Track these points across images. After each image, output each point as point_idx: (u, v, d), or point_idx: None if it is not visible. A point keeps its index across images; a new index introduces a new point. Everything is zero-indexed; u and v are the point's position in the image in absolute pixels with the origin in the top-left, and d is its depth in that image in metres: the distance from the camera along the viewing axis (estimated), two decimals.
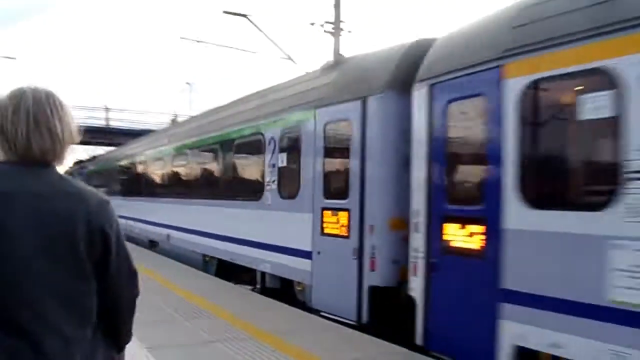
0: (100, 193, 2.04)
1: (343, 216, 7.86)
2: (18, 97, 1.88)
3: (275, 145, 9.70)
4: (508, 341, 5.31)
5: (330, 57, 15.54)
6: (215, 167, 12.88)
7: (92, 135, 48.37)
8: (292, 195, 9.06)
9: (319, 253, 8.40)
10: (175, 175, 15.59)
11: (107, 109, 52.59)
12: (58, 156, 1.94)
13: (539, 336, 5.02)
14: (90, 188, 2.01)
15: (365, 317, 7.37)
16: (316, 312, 8.16)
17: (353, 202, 7.60)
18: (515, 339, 5.24)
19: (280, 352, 6.09)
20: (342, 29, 17.88)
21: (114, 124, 51.59)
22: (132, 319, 2.15)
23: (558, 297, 4.88)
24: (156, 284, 10.29)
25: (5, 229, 1.74)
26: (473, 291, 5.84)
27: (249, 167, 11.33)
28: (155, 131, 22.01)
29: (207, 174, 13.27)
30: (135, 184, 18.59)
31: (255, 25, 17.87)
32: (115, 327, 2.04)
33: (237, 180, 11.64)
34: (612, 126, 4.50)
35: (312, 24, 18.05)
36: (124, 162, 20.51)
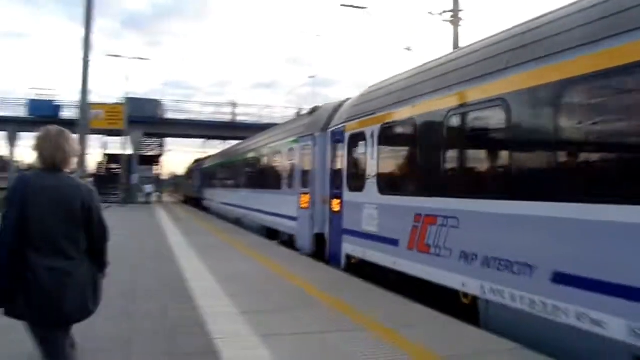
0: (89, 184, 4.18)
1: (307, 197, 15.05)
2: (46, 132, 3.96)
3: (281, 157, 18.43)
4: (345, 252, 12.16)
5: (449, 48, 17.56)
6: (251, 169, 24.62)
7: (219, 130, 52.27)
8: (290, 185, 16.96)
9: (298, 218, 15.71)
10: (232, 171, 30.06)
11: (233, 105, 54.66)
12: (67, 165, 4.00)
13: (356, 250, 11.54)
14: (83, 182, 4.16)
15: (312, 250, 14.45)
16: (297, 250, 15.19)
17: (311, 189, 14.78)
18: (348, 251, 12.00)
19: (391, 344, 6.07)
20: (460, 18, 17.63)
21: (240, 119, 53.45)
22: (105, 253, 4.37)
23: (359, 231, 11.32)
24: (271, 272, 10.99)
25: (42, 204, 3.79)
26: (338, 230, 12.61)
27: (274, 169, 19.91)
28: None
29: (253, 173, 24.00)
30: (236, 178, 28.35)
31: (374, 17, 18.63)
32: (95, 254, 4.19)
33: (267, 176, 20.54)
34: (363, 156, 11.37)
35: (431, 13, 17.99)
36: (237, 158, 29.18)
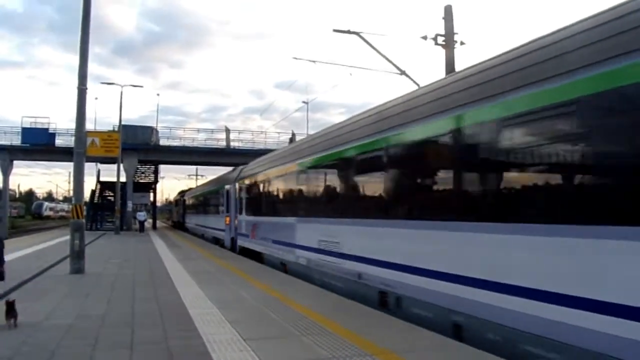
0: None
1: (227, 218, 27.55)
2: None
3: (218, 195, 32.14)
4: (239, 244, 24.29)
5: (442, 71, 17.75)
6: (206, 201, 39.86)
7: (213, 156, 52.51)
8: (221, 212, 29.91)
9: (224, 230, 28.48)
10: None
11: (227, 130, 54.65)
12: None
13: (243, 242, 23.55)
14: None
15: (229, 246, 26.28)
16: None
17: (230, 213, 26.94)
18: (240, 243, 24.04)
19: None
20: (455, 41, 17.83)
21: (234, 144, 53.96)
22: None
23: (242, 233, 23.66)
24: (273, 298, 10.88)
25: None
26: (238, 234, 24.86)
27: (215, 202, 33.97)
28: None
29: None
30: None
31: (368, 42, 18.22)
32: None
33: (213, 206, 35.42)
34: (242, 196, 24.30)
35: (424, 37, 17.86)
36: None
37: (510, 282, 6.75)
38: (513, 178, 7.22)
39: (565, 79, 6.12)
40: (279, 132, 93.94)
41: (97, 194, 53.58)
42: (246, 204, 22.83)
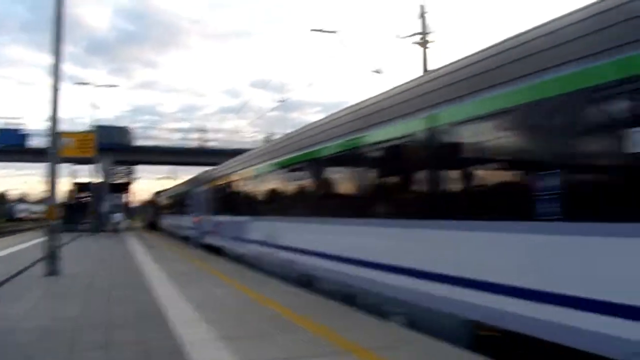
0: None
1: (197, 218, 29.09)
2: None
3: (188, 197, 33.84)
4: (206, 242, 26.59)
5: (419, 69, 17.90)
6: (176, 204, 42.28)
7: (189, 156, 52.91)
8: (190, 212, 31.98)
9: (194, 229, 30.20)
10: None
11: (202, 130, 55.05)
12: None
13: (210, 240, 25.63)
14: None
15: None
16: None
17: (197, 214, 29.37)
18: (207, 240, 26.18)
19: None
20: (428, 40, 17.97)
21: (209, 144, 54.39)
22: None
23: (210, 232, 25.63)
24: (249, 298, 10.94)
25: None
26: (204, 232, 27.26)
27: (186, 203, 35.12)
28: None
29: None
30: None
31: (344, 43, 19.11)
32: None
33: (184, 207, 36.39)
34: (209, 199, 26.53)
35: (399, 36, 18.69)
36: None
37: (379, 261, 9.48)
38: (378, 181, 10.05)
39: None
40: (255, 132, 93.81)
41: (72, 195, 53.04)
42: (209, 206, 25.85)
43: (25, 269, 16.56)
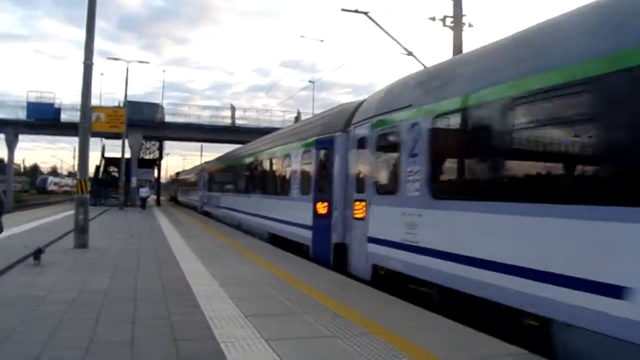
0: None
1: (200, 193, 44.06)
2: None
3: (199, 180, 46.57)
4: (204, 210, 41.39)
5: (450, 52, 17.66)
6: (187, 184, 62.29)
7: (218, 133, 52.71)
8: (200, 189, 44.93)
9: (198, 201, 45.16)
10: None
11: (232, 108, 54.72)
12: None
13: (206, 208, 41.05)
14: None
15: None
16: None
17: (201, 190, 44.48)
18: (205, 209, 41.16)
19: (397, 349, 6.06)
20: (463, 23, 17.62)
21: (239, 122, 53.94)
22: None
23: (207, 203, 41.28)
24: (276, 277, 10.94)
25: None
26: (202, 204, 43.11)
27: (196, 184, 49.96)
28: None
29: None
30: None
31: (375, 22, 17.94)
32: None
33: (194, 186, 51.94)
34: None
35: (432, 18, 17.69)
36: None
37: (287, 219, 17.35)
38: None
39: None
40: (284, 111, 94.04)
41: (101, 170, 53.71)
42: (208, 185, 40.08)
43: (55, 240, 16.82)
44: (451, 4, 17.70)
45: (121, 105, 47.22)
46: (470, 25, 17.66)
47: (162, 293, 9.07)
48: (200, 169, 47.45)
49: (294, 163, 16.92)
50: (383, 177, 11.09)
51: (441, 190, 8.83)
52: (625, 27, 5.83)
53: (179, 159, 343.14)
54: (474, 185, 8.13)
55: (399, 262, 9.76)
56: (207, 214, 38.07)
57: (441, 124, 9.00)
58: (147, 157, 58.48)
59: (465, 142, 8.44)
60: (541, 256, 6.46)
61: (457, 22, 17.60)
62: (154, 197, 62.00)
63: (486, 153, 7.77)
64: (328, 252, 13.29)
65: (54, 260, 12.62)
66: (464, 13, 17.69)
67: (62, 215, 30.38)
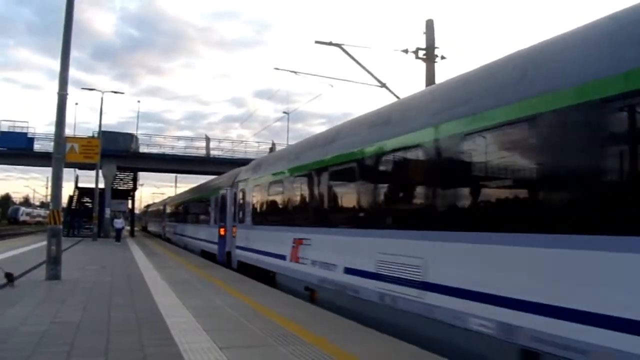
0: None
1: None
2: None
3: (162, 212, 58.06)
4: (166, 236, 51.15)
5: (423, 84, 17.99)
6: (156, 215, 71.18)
7: (193, 164, 53.02)
8: (164, 219, 54.47)
9: (161, 230, 53.96)
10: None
11: (207, 139, 54.89)
12: None
13: (167, 235, 49.76)
14: None
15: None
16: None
17: (164, 220, 54.08)
18: (166, 235, 50.19)
19: None
20: (436, 55, 17.96)
21: (214, 153, 54.28)
22: None
23: (167, 231, 50.80)
24: (250, 309, 10.87)
25: None
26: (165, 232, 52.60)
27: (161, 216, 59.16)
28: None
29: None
30: None
31: (349, 55, 18.33)
32: None
33: (160, 217, 61.69)
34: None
35: (405, 51, 17.91)
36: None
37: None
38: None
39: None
40: (258, 142, 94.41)
41: (75, 200, 53.09)
42: (167, 218, 51.05)
43: (27, 272, 16.58)
44: (424, 37, 17.98)
45: (95, 135, 46.97)
46: (443, 57, 17.97)
47: (135, 325, 8.99)
48: (163, 204, 59.30)
49: (210, 204, 27.15)
50: (240, 213, 20.19)
51: (255, 221, 18.17)
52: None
53: (153, 189, 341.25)
54: (264, 219, 17.13)
55: (246, 257, 18.81)
56: (168, 240, 47.30)
57: (256, 189, 18.21)
58: (121, 187, 58.02)
59: (262, 198, 17.49)
60: (281, 248, 14.70)
61: (429, 55, 17.92)
62: (127, 228, 61.34)
63: (269, 205, 16.78)
64: (223, 257, 22.21)
65: (26, 292, 12.44)
66: (436, 46, 18.01)
67: (34, 246, 29.94)
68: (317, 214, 12.47)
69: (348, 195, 11.17)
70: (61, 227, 15.68)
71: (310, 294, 12.71)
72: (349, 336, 8.31)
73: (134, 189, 59.35)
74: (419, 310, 8.13)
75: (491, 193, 7.33)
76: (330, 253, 11.62)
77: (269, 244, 15.98)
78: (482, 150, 7.25)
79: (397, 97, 17.74)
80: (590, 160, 5.60)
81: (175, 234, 42.55)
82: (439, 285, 7.71)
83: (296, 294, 12.84)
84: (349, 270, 10.74)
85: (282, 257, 14.43)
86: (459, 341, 7.23)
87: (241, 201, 19.79)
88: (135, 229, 66.30)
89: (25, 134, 49.42)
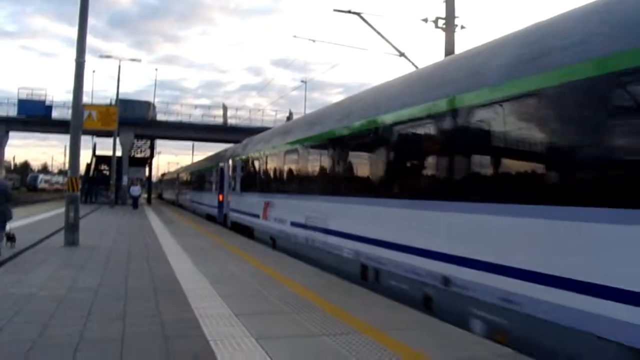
0: (6, 181, 13.83)
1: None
2: None
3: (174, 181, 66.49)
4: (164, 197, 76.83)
5: (441, 54, 17.70)
6: (172, 184, 71.83)
7: (210, 132, 52.83)
8: (174, 188, 62.56)
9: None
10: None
11: (224, 107, 54.82)
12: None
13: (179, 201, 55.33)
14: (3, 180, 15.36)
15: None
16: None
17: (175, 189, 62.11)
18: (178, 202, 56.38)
19: (384, 347, 6.10)
20: (455, 25, 17.56)
21: (231, 121, 54.06)
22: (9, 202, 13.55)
23: (167, 194, 74.69)
24: (266, 275, 11.04)
25: None
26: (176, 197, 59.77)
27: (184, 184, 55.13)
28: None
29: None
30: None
31: (368, 23, 17.98)
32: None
33: (179, 185, 59.33)
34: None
35: (425, 20, 17.68)
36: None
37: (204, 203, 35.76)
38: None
39: None
40: (275, 110, 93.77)
41: (92, 168, 53.53)
42: (179, 186, 55.58)
43: (45, 238, 16.80)
44: (444, 5, 17.68)
45: (113, 103, 47.09)
46: (462, 27, 17.63)
47: (152, 291, 9.09)
48: (176, 174, 65.92)
49: (212, 175, 31.73)
50: (232, 183, 24.88)
51: (242, 189, 22.68)
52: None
53: (170, 157, 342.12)
54: (248, 187, 21.59)
55: (237, 218, 23.43)
56: (180, 205, 51.58)
57: (243, 163, 22.83)
58: (138, 155, 58.38)
59: (247, 171, 22.04)
60: (257, 210, 19.55)
61: (449, 24, 17.53)
62: (145, 195, 61.84)
63: (251, 176, 21.37)
64: (222, 218, 27.03)
65: (44, 258, 12.60)
66: (456, 15, 17.67)
67: (52, 213, 30.29)
68: (277, 183, 17.53)
69: (291, 171, 16.07)
70: (79, 194, 15.83)
71: (272, 242, 17.49)
72: (360, 306, 8.35)
73: (152, 156, 59.72)
74: (324, 247, 12.78)
75: (350, 173, 11.87)
76: (284, 213, 16.35)
77: (250, 206, 20.72)
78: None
79: (416, 67, 17.54)
80: None
81: (186, 200, 47.05)
82: (331, 230, 12.39)
83: (266, 243, 17.89)
84: (293, 224, 15.24)
85: (257, 217, 19.45)
86: (340, 263, 11.84)
87: (234, 173, 24.69)
88: (152, 196, 66.93)
89: (44, 101, 49.64)
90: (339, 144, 12.14)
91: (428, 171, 8.88)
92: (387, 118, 9.87)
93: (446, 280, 7.88)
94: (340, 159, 12.15)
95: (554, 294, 5.90)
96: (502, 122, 6.94)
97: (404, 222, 9.22)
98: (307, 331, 6.72)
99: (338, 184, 12.16)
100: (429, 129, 8.61)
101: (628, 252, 5.08)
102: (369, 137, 10.60)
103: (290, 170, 16.15)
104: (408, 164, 9.57)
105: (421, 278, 8.55)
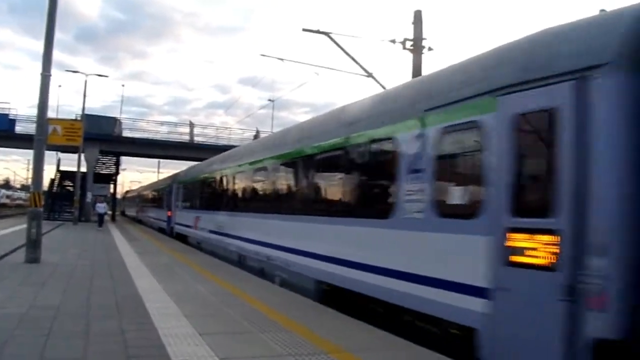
0: None
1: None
2: None
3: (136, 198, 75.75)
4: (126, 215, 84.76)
5: (409, 75, 17.95)
6: (140, 200, 67.01)
7: (176, 150, 52.39)
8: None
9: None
10: None
11: (191, 125, 54.45)
12: None
13: (138, 217, 63.75)
14: None
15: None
16: None
17: (135, 206, 74.16)
18: (138, 218, 64.59)
19: None
20: (423, 46, 17.90)
21: (197, 139, 53.84)
22: None
23: (131, 212, 78.30)
24: (230, 294, 10.95)
25: None
26: (137, 214, 68.90)
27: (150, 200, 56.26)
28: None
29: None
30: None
31: (337, 43, 18.23)
32: None
33: (146, 202, 59.74)
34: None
35: (393, 41, 17.97)
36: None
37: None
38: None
39: None
40: (242, 129, 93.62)
41: (56, 183, 52.66)
42: (139, 203, 61.05)
43: (5, 255, 16.43)
44: (412, 27, 17.94)
45: (78, 118, 46.46)
46: (430, 49, 17.93)
47: (115, 310, 8.94)
48: (137, 192, 72.48)
49: (164, 194, 37.21)
50: (177, 202, 31.02)
51: (182, 207, 29.61)
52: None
53: (135, 174, 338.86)
54: (184, 206, 29.25)
55: (179, 229, 29.61)
56: (140, 221, 56.52)
57: (183, 186, 29.97)
58: (103, 171, 57.64)
59: (184, 193, 29.60)
60: (189, 222, 26.69)
61: (416, 46, 17.90)
62: (109, 212, 60.98)
63: (186, 197, 29.50)
64: (170, 230, 32.43)
65: (4, 275, 12.32)
66: (424, 37, 17.99)
67: (13, 229, 29.67)
68: (201, 202, 24.58)
69: (207, 195, 23.73)
70: (42, 210, 15.54)
71: (198, 244, 23.56)
72: (322, 322, 8.33)
73: (117, 173, 59.01)
74: (223, 245, 19.40)
75: (269, 194, 15.24)
76: (206, 224, 22.15)
77: (187, 220, 26.93)
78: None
79: (384, 88, 17.72)
80: None
81: (145, 217, 52.59)
82: (226, 234, 18.95)
83: (194, 246, 24.01)
84: (211, 232, 21.14)
85: (191, 227, 25.57)
86: (230, 253, 18.19)
87: (177, 194, 31.33)
88: (116, 213, 66.19)
89: (7, 115, 48.74)
90: (225, 176, 20.28)
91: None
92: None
93: (268, 257, 14.17)
94: (228, 187, 19.97)
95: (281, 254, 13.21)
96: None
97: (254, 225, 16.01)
98: (273, 352, 6.64)
99: (228, 203, 19.36)
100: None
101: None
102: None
103: (207, 194, 23.82)
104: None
105: (259, 257, 14.96)
